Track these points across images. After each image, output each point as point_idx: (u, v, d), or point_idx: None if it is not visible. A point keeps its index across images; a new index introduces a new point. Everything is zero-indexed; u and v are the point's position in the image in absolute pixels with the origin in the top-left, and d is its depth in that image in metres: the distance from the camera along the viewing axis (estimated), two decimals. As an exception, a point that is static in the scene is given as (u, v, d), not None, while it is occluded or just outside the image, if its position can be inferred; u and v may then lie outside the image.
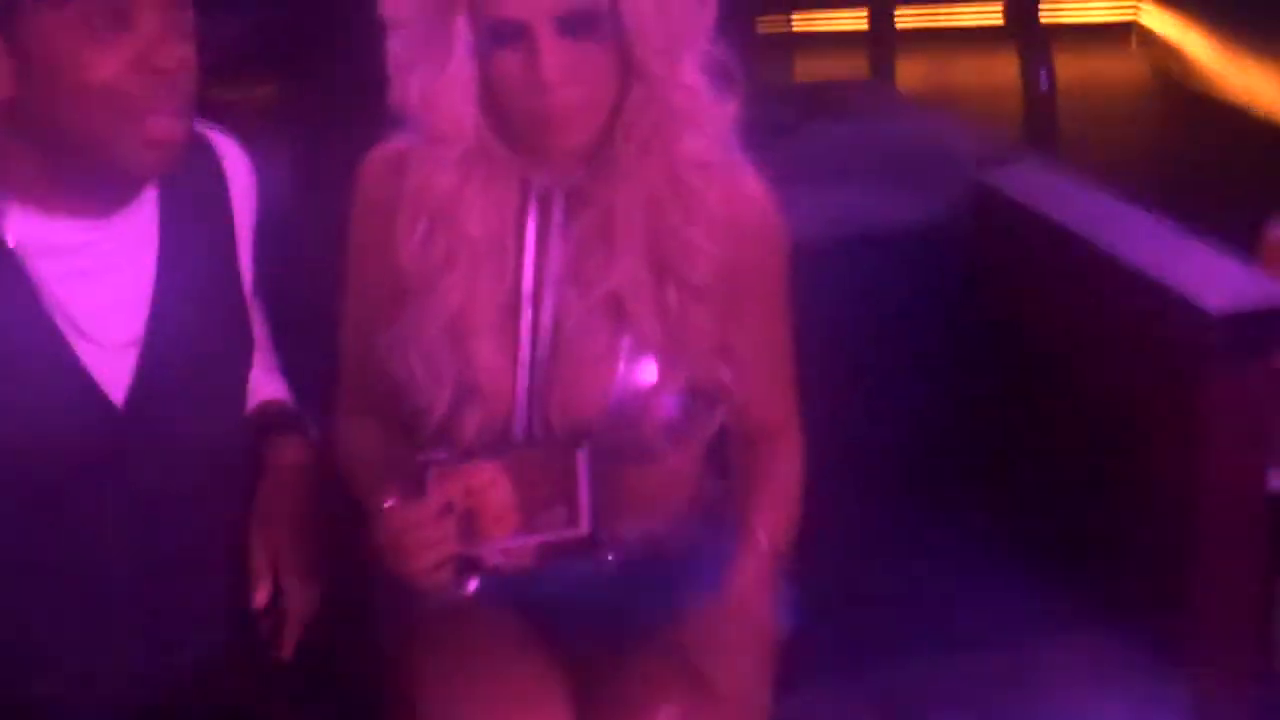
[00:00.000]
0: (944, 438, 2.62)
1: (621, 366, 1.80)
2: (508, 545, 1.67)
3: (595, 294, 1.78)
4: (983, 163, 2.82)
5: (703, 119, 1.77)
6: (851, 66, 4.88)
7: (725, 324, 1.81)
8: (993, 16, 5.23)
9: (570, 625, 1.86)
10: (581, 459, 1.68)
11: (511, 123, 1.74)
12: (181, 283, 1.73)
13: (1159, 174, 4.62)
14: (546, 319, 1.80)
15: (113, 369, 1.69)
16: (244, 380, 1.84)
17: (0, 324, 1.62)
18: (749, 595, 1.82)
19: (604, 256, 1.77)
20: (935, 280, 2.72)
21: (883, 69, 4.37)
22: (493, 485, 1.65)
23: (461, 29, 1.69)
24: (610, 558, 1.82)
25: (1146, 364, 2.33)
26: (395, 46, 1.74)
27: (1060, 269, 2.59)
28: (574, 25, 1.67)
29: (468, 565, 1.66)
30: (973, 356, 2.64)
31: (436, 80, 1.72)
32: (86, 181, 1.65)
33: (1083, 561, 2.38)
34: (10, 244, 1.65)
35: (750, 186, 1.84)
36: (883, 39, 4.51)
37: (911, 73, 5.27)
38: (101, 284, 1.68)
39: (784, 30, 5.03)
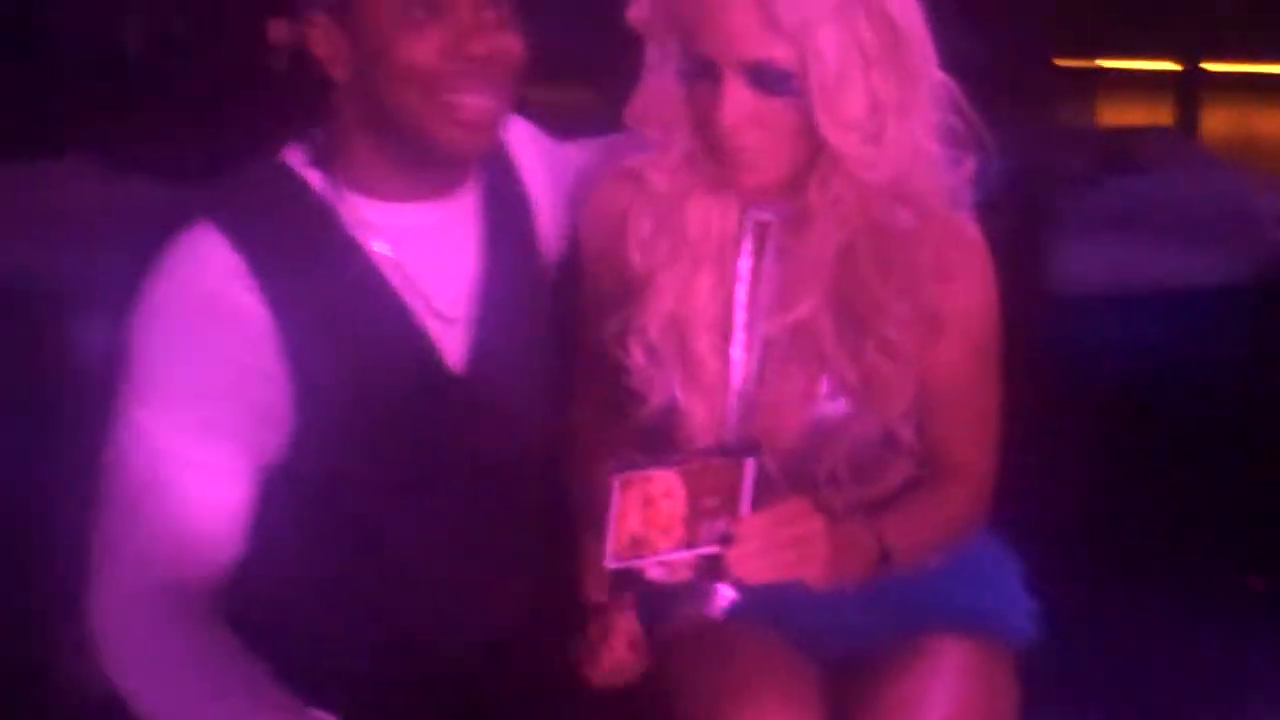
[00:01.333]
0: (1220, 505, 2.56)
1: (820, 406, 1.81)
2: (669, 558, 1.66)
3: (794, 331, 1.79)
4: (1282, 225, 2.69)
5: (910, 190, 1.74)
6: (1157, 110, 4.75)
7: (923, 372, 1.80)
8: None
9: (819, 642, 1.86)
10: (749, 469, 1.66)
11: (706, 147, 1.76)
12: (501, 267, 1.82)
13: None
14: (756, 347, 1.82)
15: (449, 339, 1.78)
16: (552, 361, 1.90)
17: (347, 299, 1.71)
18: (830, 560, 1.72)
19: (805, 297, 1.78)
20: (1225, 342, 2.67)
21: (1187, 117, 4.26)
22: (668, 495, 1.64)
23: (674, 50, 1.72)
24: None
25: None
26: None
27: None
28: (761, 77, 1.67)
29: (629, 578, 1.65)
30: (1259, 425, 2.58)
31: (653, 92, 1.76)
32: (412, 164, 1.74)
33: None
34: (349, 228, 1.74)
35: (965, 238, 1.81)
36: (1190, 86, 4.40)
37: (1218, 121, 5.11)
38: (433, 263, 1.77)
39: (1089, 67, 4.94)
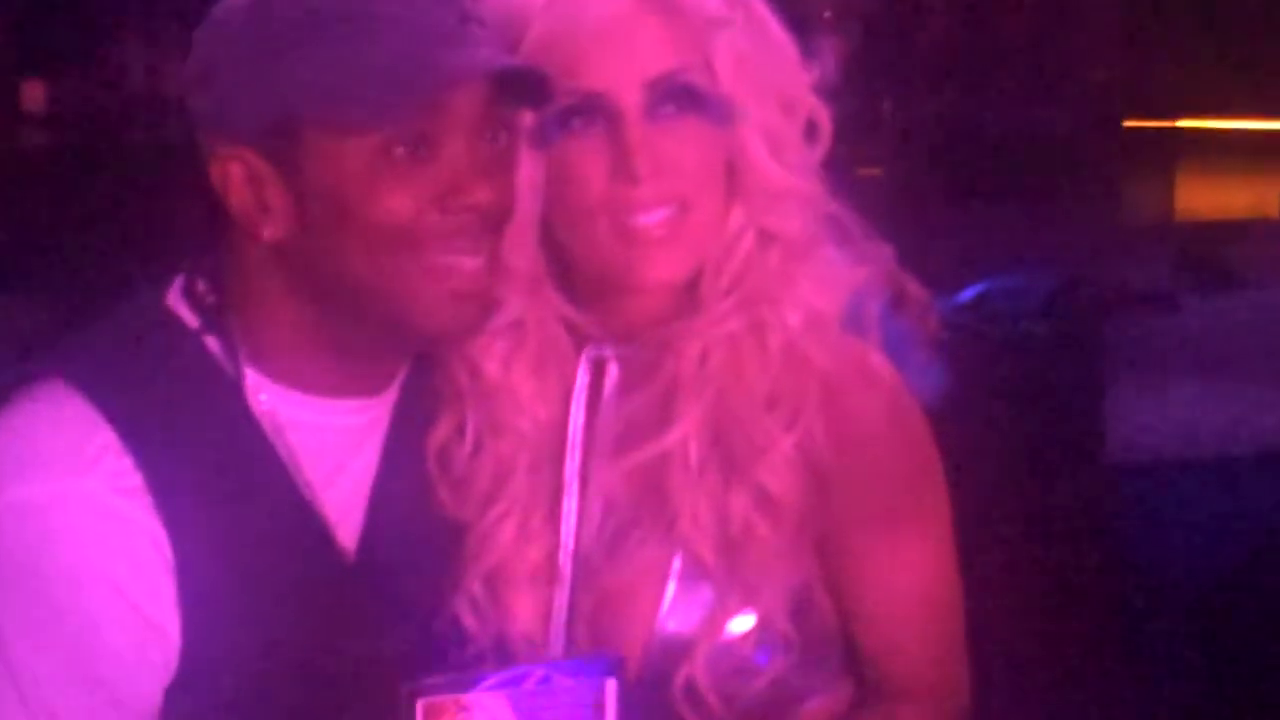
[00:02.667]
0: None
1: (669, 592, 1.57)
2: None
3: (639, 486, 1.56)
4: None
5: (824, 267, 1.54)
6: (1256, 186, 4.05)
7: (825, 549, 1.58)
8: None
9: None
10: (611, 691, 1.44)
11: (586, 252, 1.53)
12: (400, 486, 1.60)
13: None
14: (594, 512, 1.59)
15: (343, 550, 1.57)
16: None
17: (248, 515, 1.48)
18: None
19: (652, 442, 1.55)
20: None
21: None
22: None
23: (525, 118, 1.49)
24: None
25: None
26: None
27: None
28: (668, 98, 1.49)
29: None
30: None
31: None
32: (365, 348, 1.54)
33: None
34: (258, 424, 1.50)
35: (875, 369, 1.56)
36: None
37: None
38: (336, 470, 1.56)
39: (1166, 128, 4.30)
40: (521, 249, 1.54)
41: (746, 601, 1.55)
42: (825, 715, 1.63)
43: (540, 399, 1.60)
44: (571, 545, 1.61)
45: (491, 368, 1.59)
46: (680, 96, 1.49)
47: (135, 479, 1.43)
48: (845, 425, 1.54)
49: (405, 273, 1.46)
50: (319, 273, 1.49)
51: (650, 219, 1.49)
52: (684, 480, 1.55)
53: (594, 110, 1.48)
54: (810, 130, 1.57)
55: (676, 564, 1.57)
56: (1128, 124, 3.62)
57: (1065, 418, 2.21)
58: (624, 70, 1.48)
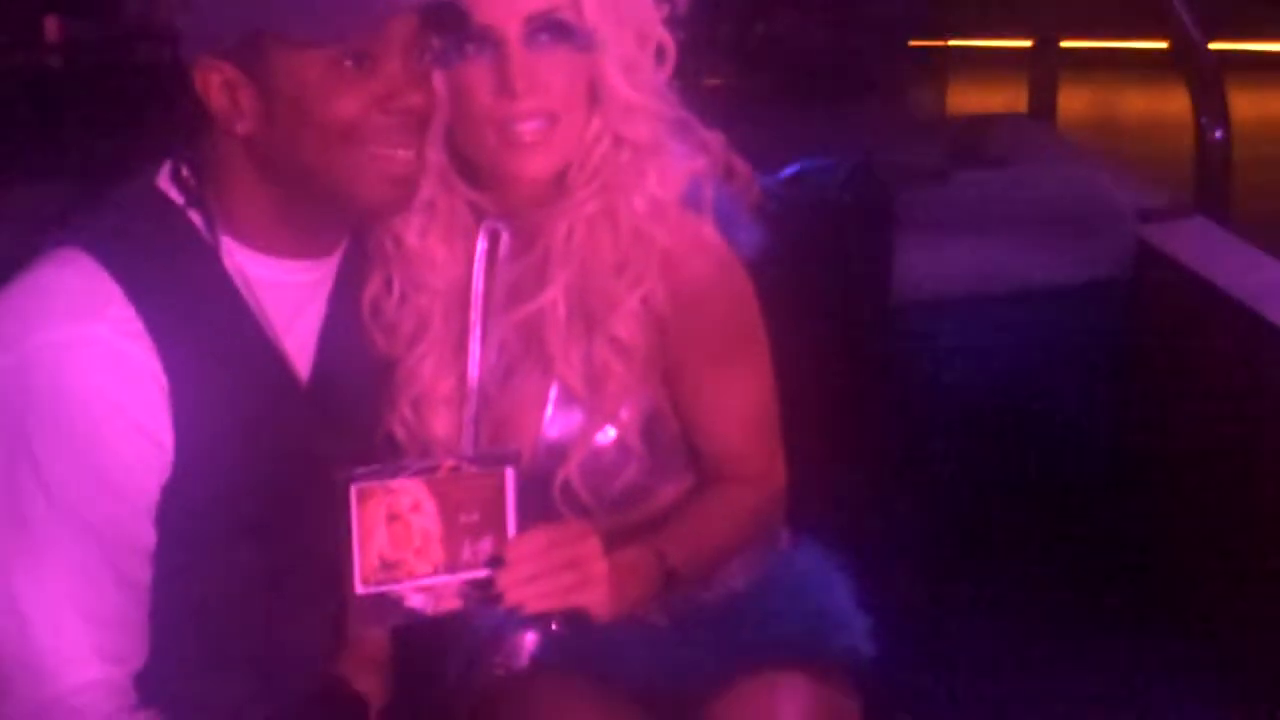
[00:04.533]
0: (1087, 511, 2.51)
1: (548, 412, 1.81)
2: (429, 583, 1.57)
3: (524, 335, 1.80)
4: (1146, 217, 2.67)
5: (666, 162, 1.77)
6: (1010, 90, 4.64)
7: (669, 380, 1.82)
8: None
9: (649, 686, 1.83)
10: (509, 480, 1.59)
11: (478, 150, 1.76)
12: (343, 331, 1.82)
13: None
14: (491, 351, 1.84)
15: (302, 397, 1.79)
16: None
17: (227, 357, 1.70)
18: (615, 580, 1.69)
19: (533, 300, 1.79)
20: (1089, 345, 2.59)
21: (1043, 102, 4.11)
22: (416, 510, 1.57)
23: (433, 43, 1.70)
24: (554, 626, 1.80)
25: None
26: None
27: (1227, 342, 2.43)
28: (543, 30, 1.70)
29: (385, 606, 1.55)
30: (1123, 435, 2.53)
31: None
32: (314, 222, 1.74)
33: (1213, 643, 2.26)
34: (233, 281, 1.70)
35: (706, 240, 1.80)
36: (1044, 67, 4.24)
37: (1075, 102, 5.01)
38: (292, 319, 1.77)
39: (940, 46, 4.81)
40: (434, 145, 1.76)
41: (608, 420, 1.81)
42: (672, 499, 1.90)
43: (450, 262, 1.83)
44: (475, 376, 1.84)
45: (411, 237, 1.82)
46: (553, 29, 1.71)
47: (137, 324, 1.64)
48: (682, 285, 1.78)
49: (352, 161, 1.65)
50: (281, 161, 1.67)
51: (526, 127, 1.73)
52: (556, 330, 1.79)
53: (483, 39, 1.70)
54: (660, 54, 1.80)
55: (553, 391, 1.82)
56: (912, 44, 4.18)
57: (862, 267, 2.48)
58: (508, 7, 1.70)
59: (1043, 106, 3.93)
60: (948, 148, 2.84)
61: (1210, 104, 2.83)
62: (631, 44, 1.77)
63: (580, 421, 1.82)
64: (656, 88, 1.79)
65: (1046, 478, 2.52)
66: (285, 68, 1.63)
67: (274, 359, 1.75)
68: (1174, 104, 4.59)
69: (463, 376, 1.85)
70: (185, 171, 1.72)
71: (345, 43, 1.63)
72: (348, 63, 1.63)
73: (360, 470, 1.54)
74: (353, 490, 1.52)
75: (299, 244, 1.76)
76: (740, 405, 1.89)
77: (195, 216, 1.71)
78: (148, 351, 1.64)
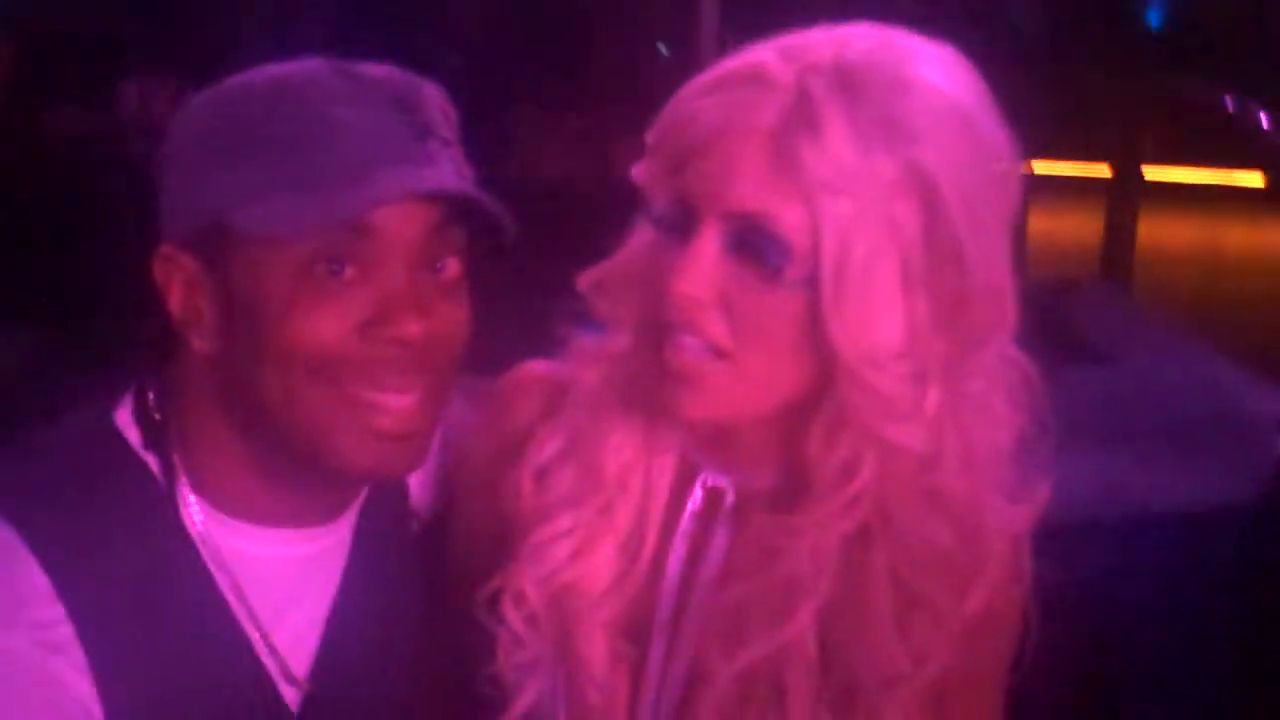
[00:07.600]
0: None
1: None
2: None
3: (743, 673, 1.31)
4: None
5: (952, 495, 1.27)
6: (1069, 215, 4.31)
7: None
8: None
9: None
10: None
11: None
12: (365, 614, 1.45)
13: None
14: (678, 670, 1.35)
15: (297, 702, 1.43)
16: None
17: (187, 662, 1.34)
18: None
19: (770, 619, 1.30)
20: (1216, 582, 2.32)
21: (1122, 236, 3.79)
22: None
23: (662, 202, 1.29)
24: None
25: None
26: None
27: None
28: (743, 237, 1.22)
29: None
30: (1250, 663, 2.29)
31: (619, 256, 1.35)
32: (294, 483, 1.37)
33: None
34: (200, 555, 1.35)
35: (1015, 589, 1.34)
36: (1124, 196, 3.91)
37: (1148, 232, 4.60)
38: (286, 608, 1.41)
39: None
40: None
41: None
42: None
43: (639, 465, 1.39)
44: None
45: (589, 391, 1.40)
46: (750, 238, 1.25)
47: (64, 630, 1.29)
48: (977, 627, 1.33)
49: (320, 404, 1.29)
50: (241, 395, 1.33)
51: (682, 343, 1.27)
52: (797, 682, 1.32)
53: (681, 221, 1.27)
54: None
55: None
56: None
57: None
58: (712, 191, 1.25)
59: (1121, 240, 3.70)
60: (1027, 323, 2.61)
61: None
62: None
63: None
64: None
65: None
66: (248, 268, 1.28)
67: (252, 664, 1.39)
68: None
69: (640, 615, 1.39)
70: (151, 399, 1.36)
71: (317, 240, 1.25)
72: (319, 267, 1.26)
73: None
74: None
75: (286, 507, 1.38)
76: None
77: (153, 461, 1.35)
78: (76, 669, 1.28)
